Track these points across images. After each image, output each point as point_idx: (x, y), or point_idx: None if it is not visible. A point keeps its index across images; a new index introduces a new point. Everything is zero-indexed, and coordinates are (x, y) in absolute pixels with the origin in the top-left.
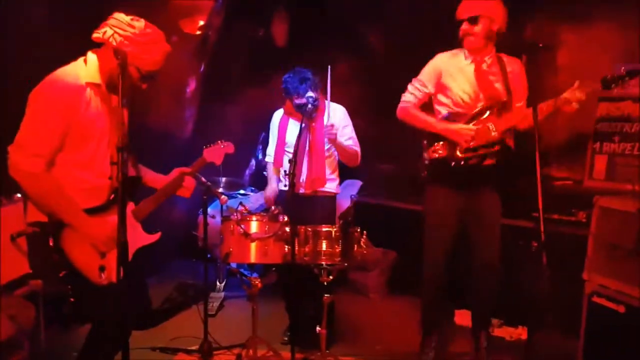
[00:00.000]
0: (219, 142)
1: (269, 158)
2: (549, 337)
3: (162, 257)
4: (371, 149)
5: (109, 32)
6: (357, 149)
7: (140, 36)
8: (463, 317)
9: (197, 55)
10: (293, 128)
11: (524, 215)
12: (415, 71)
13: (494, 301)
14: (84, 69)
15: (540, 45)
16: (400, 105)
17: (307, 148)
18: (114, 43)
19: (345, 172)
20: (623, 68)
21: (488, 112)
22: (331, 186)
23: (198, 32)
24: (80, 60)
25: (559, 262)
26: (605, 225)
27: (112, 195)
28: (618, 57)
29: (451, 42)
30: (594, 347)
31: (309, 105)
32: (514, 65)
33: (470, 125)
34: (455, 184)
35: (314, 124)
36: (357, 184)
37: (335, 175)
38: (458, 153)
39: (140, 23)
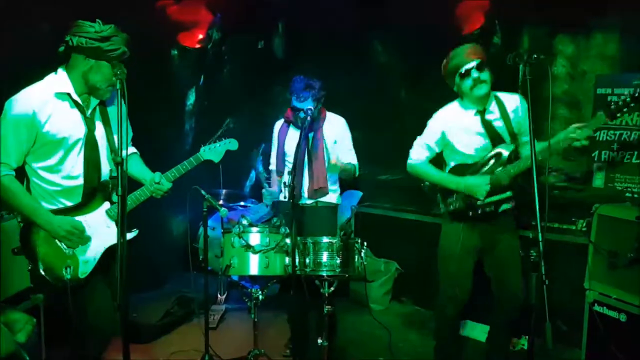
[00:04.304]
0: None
1: (273, 166)
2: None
3: (163, 270)
4: (371, 159)
5: (74, 38)
6: (355, 162)
7: (101, 31)
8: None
9: (197, 68)
10: (292, 136)
11: (524, 224)
12: (415, 84)
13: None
14: (54, 80)
15: (535, 56)
16: (410, 162)
17: (306, 158)
18: (82, 45)
19: (345, 183)
20: (627, 92)
21: (497, 160)
22: (332, 197)
23: (197, 46)
24: (50, 74)
25: (560, 271)
26: (604, 233)
27: (87, 197)
28: (616, 65)
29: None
30: (596, 356)
31: (307, 117)
32: (512, 102)
33: (482, 175)
34: (472, 223)
35: (313, 133)
36: (358, 194)
37: (336, 186)
38: (473, 204)
39: (98, 23)
